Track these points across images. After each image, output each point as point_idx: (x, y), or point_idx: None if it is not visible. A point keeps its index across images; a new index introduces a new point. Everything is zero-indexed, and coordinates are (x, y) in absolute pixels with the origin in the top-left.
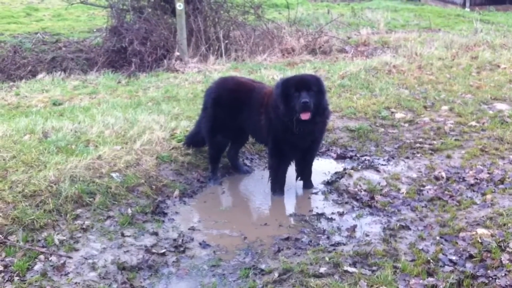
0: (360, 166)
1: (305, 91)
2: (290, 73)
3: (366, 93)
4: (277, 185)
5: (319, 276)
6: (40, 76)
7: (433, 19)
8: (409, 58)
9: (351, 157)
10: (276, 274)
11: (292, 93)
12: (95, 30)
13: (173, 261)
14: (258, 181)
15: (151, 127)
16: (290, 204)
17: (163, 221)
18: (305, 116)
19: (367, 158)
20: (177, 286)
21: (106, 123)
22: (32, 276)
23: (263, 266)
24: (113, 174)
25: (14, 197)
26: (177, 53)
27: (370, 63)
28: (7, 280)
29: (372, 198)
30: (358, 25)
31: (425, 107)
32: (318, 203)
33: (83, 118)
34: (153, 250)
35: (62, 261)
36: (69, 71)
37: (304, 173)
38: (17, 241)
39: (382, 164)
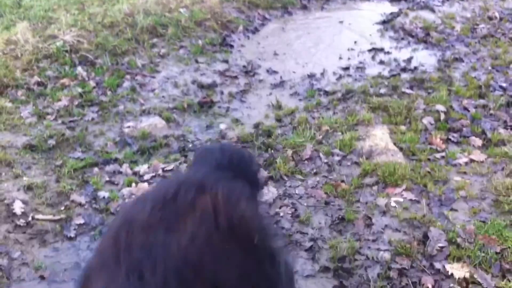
0: (415, 7)
1: None
2: None
3: None
4: None
5: (379, 95)
6: None
7: None
8: None
9: (406, 0)
10: (340, 94)
11: None
12: None
13: (245, 83)
14: (323, 19)
15: None
16: (350, 40)
17: (231, 52)
18: None
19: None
20: (249, 99)
21: None
22: (122, 91)
23: (327, 88)
24: (181, 10)
25: (94, 26)
26: None
27: None
28: (101, 94)
29: (428, 34)
30: None
31: None
32: (376, 39)
33: None
34: (227, 74)
35: (147, 80)
36: None
37: None
38: (104, 63)
39: (437, 5)
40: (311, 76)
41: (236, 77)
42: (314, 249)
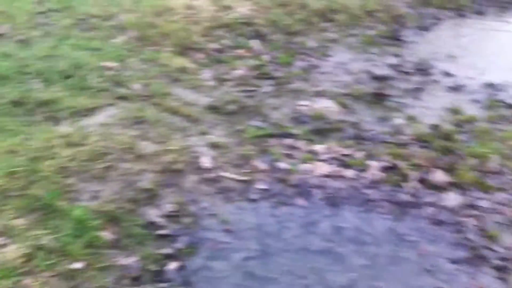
0: None
1: None
2: None
3: None
4: None
5: None
6: None
7: None
8: None
9: None
10: None
11: None
12: None
13: (419, 81)
14: None
15: None
16: None
17: (402, 47)
18: None
19: None
20: (423, 98)
21: None
22: (295, 70)
23: (511, 101)
24: None
25: (267, 3)
26: None
27: None
28: (275, 69)
29: None
30: None
31: None
32: None
33: None
34: (399, 69)
35: (318, 62)
36: None
37: None
38: (278, 40)
39: None
40: (490, 85)
41: (408, 73)
42: (505, 270)
